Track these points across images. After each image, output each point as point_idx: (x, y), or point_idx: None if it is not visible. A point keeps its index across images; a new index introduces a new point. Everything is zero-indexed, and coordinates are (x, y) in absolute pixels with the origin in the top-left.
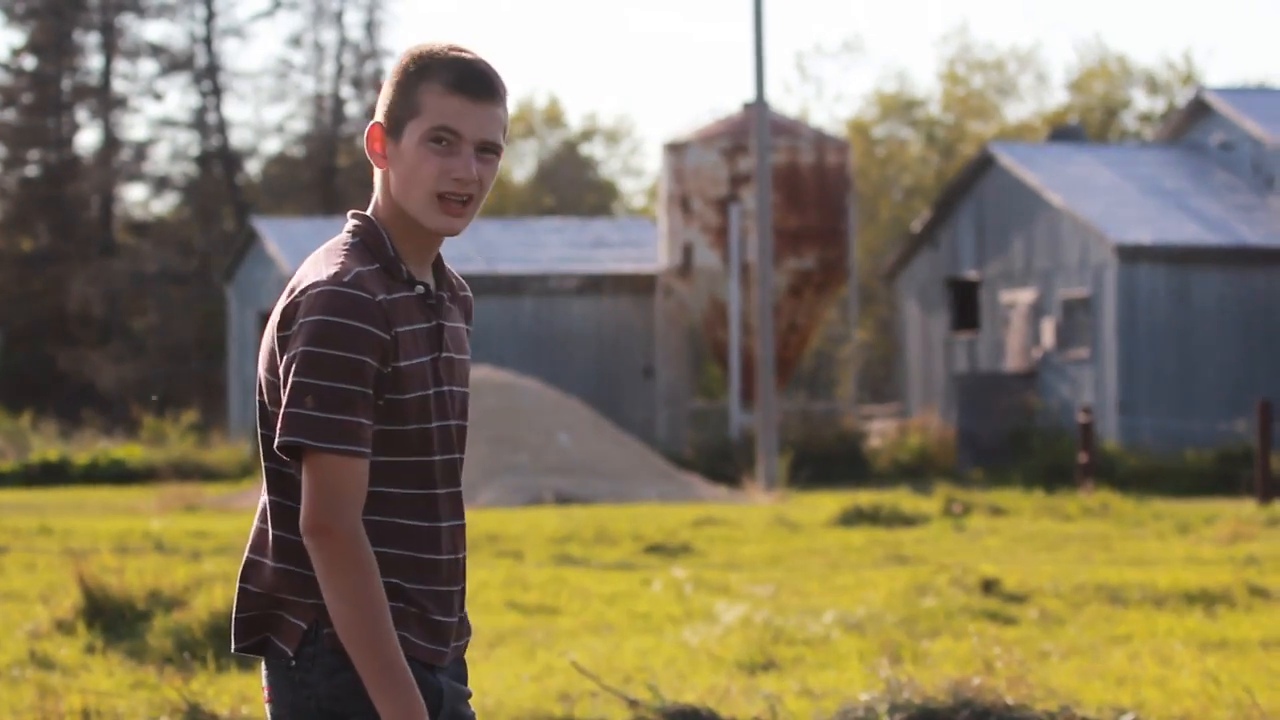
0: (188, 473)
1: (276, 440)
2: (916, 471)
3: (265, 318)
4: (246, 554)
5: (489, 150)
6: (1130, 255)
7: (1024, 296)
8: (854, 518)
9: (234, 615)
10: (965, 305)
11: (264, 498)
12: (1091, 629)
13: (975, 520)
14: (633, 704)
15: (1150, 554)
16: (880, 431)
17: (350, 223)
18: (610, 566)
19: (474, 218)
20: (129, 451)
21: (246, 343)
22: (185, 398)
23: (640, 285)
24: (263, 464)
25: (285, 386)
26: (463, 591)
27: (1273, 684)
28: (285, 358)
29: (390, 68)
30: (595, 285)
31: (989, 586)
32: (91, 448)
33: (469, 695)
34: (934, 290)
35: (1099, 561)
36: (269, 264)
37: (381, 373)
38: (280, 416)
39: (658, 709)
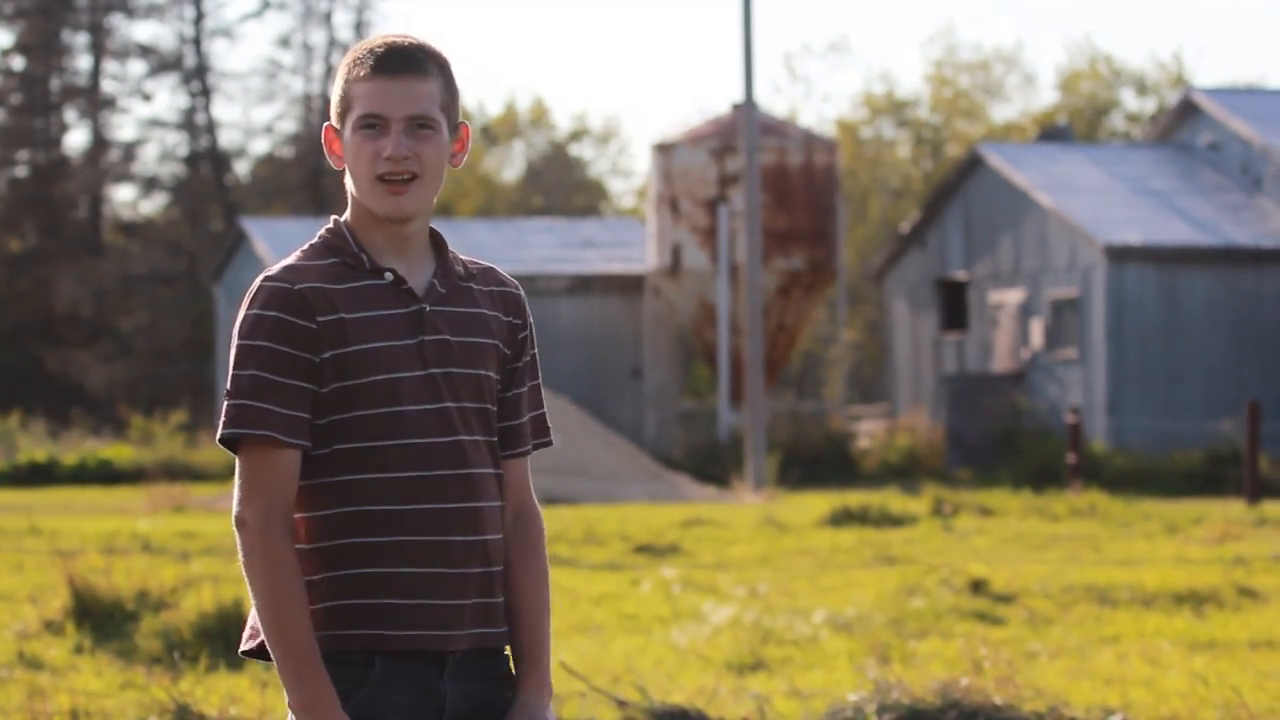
0: (176, 473)
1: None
2: (905, 472)
3: None
4: None
5: (423, 125)
6: (1119, 256)
7: (1012, 297)
8: (842, 518)
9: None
10: (954, 305)
11: None
12: (1080, 629)
13: (963, 521)
14: (621, 705)
15: (1138, 554)
16: (869, 432)
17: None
18: (598, 567)
19: (431, 197)
20: (117, 452)
21: None
22: (173, 398)
23: (629, 286)
24: None
25: None
26: (486, 575)
27: (1260, 684)
28: None
29: None
30: (584, 286)
31: (977, 587)
32: (80, 448)
33: (522, 704)
34: (922, 291)
35: (1087, 562)
36: (257, 264)
37: (313, 362)
38: None
39: (646, 710)
